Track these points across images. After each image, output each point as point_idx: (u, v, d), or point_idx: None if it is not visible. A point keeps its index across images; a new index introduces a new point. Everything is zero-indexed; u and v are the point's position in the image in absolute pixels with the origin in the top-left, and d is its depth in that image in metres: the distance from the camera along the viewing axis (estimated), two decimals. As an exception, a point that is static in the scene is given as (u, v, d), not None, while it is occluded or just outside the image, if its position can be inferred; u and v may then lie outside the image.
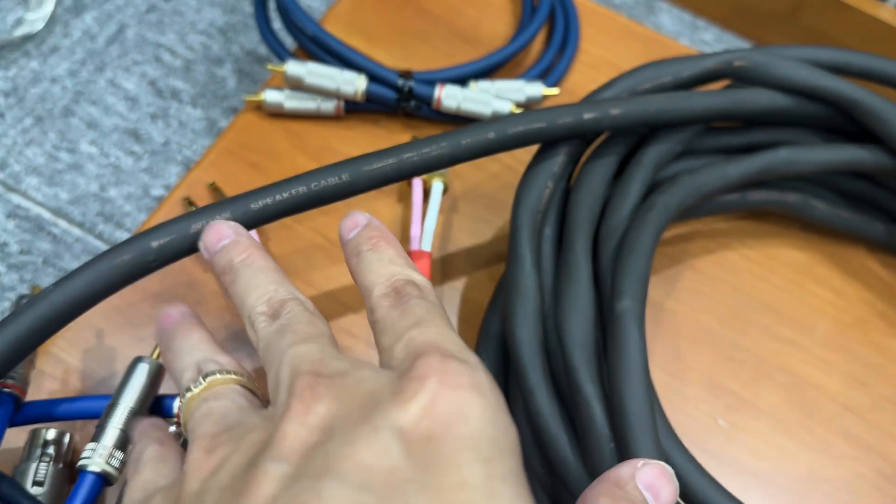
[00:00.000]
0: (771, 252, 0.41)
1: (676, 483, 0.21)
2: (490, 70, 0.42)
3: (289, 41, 0.47)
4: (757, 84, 0.36)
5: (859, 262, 0.42)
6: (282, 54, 0.41)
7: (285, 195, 0.28)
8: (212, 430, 0.20)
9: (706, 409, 0.37)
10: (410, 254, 0.35)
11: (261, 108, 0.40)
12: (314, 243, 0.37)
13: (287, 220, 0.37)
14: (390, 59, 0.44)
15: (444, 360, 0.18)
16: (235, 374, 0.23)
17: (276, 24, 0.46)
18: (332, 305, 0.36)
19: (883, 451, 0.37)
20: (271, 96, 0.39)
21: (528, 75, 0.43)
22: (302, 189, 0.28)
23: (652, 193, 0.34)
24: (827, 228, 0.41)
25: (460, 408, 0.17)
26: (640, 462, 0.21)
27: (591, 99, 0.34)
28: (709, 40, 0.57)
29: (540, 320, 0.30)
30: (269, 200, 0.28)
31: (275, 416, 0.19)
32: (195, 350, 0.24)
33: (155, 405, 0.28)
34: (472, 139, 0.30)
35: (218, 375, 0.23)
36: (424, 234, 0.36)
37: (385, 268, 0.23)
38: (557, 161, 0.33)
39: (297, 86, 0.39)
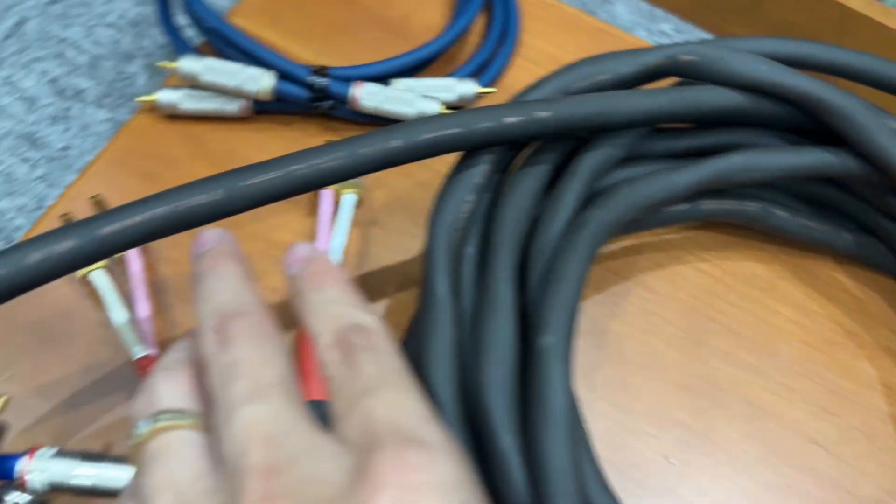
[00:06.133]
0: (729, 266, 0.37)
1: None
2: (419, 66, 0.38)
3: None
4: (708, 81, 0.32)
5: (826, 276, 0.38)
6: (183, 49, 0.36)
7: (145, 216, 0.24)
8: None
9: (655, 444, 0.33)
10: (315, 277, 0.31)
11: (156, 110, 0.36)
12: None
13: (180, 236, 0.33)
14: (311, 54, 0.40)
15: (402, 454, 0.17)
16: (193, 416, 0.20)
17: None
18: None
19: (852, 489, 0.33)
20: (165, 96, 0.35)
21: (463, 72, 0.39)
22: (163, 210, 0.24)
23: (586, 208, 0.30)
24: (790, 239, 0.37)
25: None
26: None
27: (517, 100, 0.30)
28: (668, 31, 0.53)
29: (456, 356, 0.26)
30: (121, 224, 0.23)
31: None
32: (163, 359, 0.22)
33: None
34: (373, 148, 0.26)
35: (172, 419, 0.20)
36: (332, 253, 0.31)
37: (328, 310, 0.21)
38: (479, 171, 0.29)
39: (194, 84, 0.35)
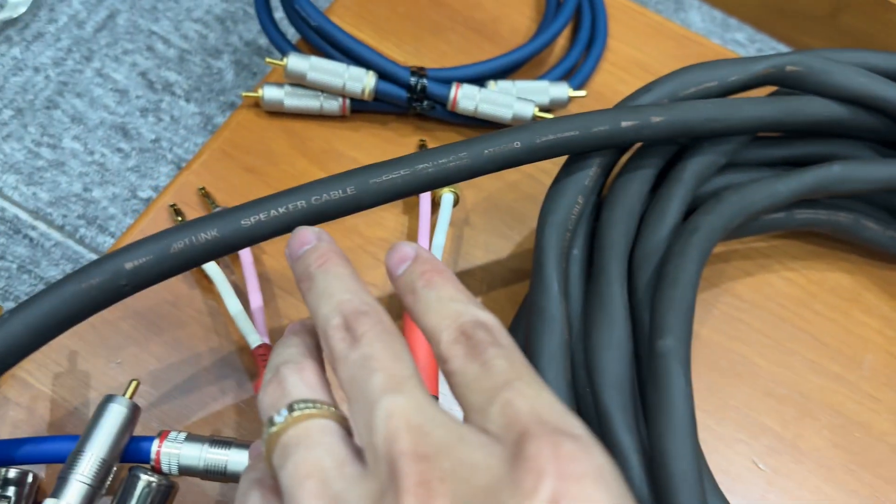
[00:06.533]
0: (815, 276, 0.37)
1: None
2: (511, 69, 0.38)
3: (292, 32, 0.44)
4: (809, 91, 0.32)
5: (910, 288, 0.38)
6: (283, 47, 0.37)
7: (281, 210, 0.24)
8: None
9: (744, 450, 0.33)
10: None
11: (259, 106, 0.37)
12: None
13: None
14: (401, 54, 0.40)
15: (556, 444, 0.17)
16: (328, 406, 0.20)
17: (279, 13, 0.43)
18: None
19: (937, 500, 0.33)
20: (270, 93, 0.35)
21: (552, 75, 0.39)
22: (301, 203, 0.24)
23: (694, 213, 0.30)
24: (877, 251, 0.37)
25: None
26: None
27: (627, 104, 0.30)
28: (741, 40, 0.53)
29: (567, 355, 0.27)
30: (262, 216, 0.24)
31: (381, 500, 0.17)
32: (284, 352, 0.22)
33: (128, 450, 0.24)
34: (495, 149, 0.27)
35: (308, 409, 0.20)
36: (433, 252, 0.32)
37: (446, 308, 0.21)
38: (589, 173, 0.29)
39: (298, 82, 0.35)
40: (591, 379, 0.26)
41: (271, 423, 0.20)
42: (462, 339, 0.20)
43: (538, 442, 0.17)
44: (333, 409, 0.20)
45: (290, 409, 0.20)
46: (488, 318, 0.21)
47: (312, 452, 0.19)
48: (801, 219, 0.34)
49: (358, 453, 0.19)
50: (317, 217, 0.25)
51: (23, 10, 0.45)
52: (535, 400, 0.18)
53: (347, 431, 0.20)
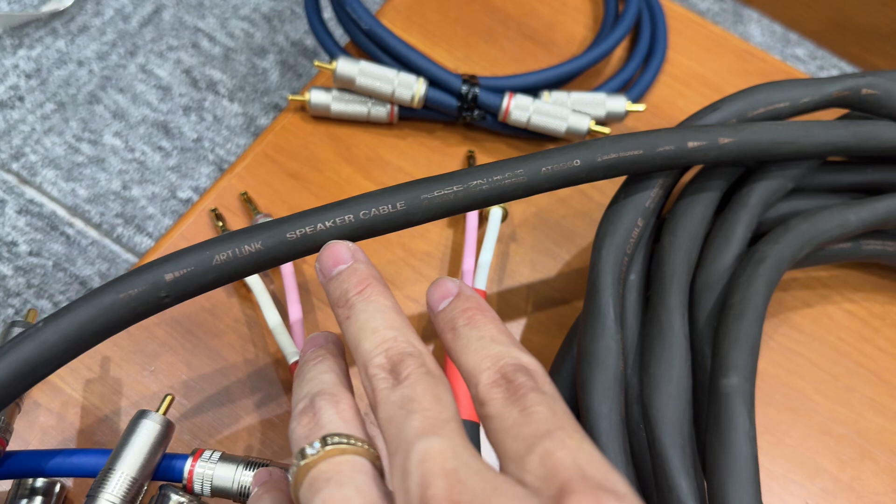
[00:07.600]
0: (877, 309, 0.35)
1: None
2: (566, 79, 0.37)
3: (339, 33, 0.43)
4: (885, 116, 0.31)
5: (980, 326, 0.36)
6: (331, 49, 0.36)
7: (328, 224, 0.23)
8: None
9: (798, 491, 0.31)
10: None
11: (304, 109, 0.36)
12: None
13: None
14: (451, 60, 0.39)
15: (600, 502, 0.16)
16: (362, 443, 0.20)
17: (327, 12, 0.42)
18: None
19: None
20: (317, 97, 0.34)
21: (608, 87, 0.38)
22: (349, 218, 0.23)
23: (760, 241, 0.28)
24: (946, 285, 0.35)
25: None
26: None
27: (693, 123, 0.29)
28: (801, 56, 0.51)
29: (621, 389, 0.25)
30: (308, 230, 0.23)
31: None
32: (318, 379, 0.22)
33: (160, 468, 0.23)
34: (554, 166, 0.25)
35: (342, 443, 0.19)
36: (479, 270, 0.31)
37: (487, 348, 0.21)
38: (650, 194, 0.28)
39: (346, 87, 0.34)
40: (646, 416, 0.24)
41: (302, 454, 0.19)
42: (502, 383, 0.20)
43: (580, 498, 0.16)
44: (367, 446, 0.20)
45: (324, 442, 0.19)
46: (531, 362, 0.20)
47: (342, 490, 0.18)
48: (868, 250, 0.33)
49: (388, 496, 0.18)
50: (365, 232, 0.23)
51: (69, 2, 0.45)
52: (577, 452, 0.17)
53: (379, 472, 0.20)
